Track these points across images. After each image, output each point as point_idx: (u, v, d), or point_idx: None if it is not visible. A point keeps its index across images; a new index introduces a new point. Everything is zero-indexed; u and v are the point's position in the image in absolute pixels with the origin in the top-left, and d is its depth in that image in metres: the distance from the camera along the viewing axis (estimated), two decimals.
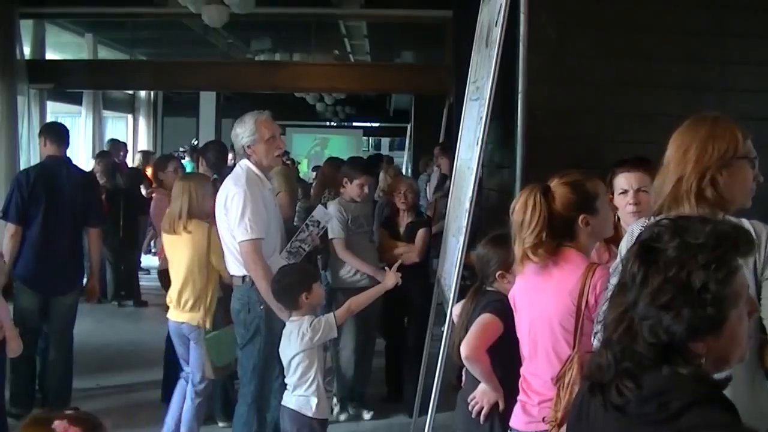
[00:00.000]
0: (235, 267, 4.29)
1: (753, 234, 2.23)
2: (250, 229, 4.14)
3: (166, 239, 4.80)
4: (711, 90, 3.84)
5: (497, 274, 3.38)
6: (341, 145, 21.44)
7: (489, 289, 3.45)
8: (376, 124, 22.68)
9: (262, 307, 4.12)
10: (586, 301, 2.78)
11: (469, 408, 3.38)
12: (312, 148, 22.45)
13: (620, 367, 1.57)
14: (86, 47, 12.56)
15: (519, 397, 3.03)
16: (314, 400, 3.88)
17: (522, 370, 3.03)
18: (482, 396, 3.37)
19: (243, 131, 4.31)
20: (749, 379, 2.47)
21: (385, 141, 23.00)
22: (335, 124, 22.51)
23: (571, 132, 3.82)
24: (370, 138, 23.59)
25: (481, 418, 3.35)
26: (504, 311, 3.24)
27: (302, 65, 12.30)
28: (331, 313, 4.01)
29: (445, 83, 8.65)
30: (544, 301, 2.88)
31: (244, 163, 4.32)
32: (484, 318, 3.34)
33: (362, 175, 5.65)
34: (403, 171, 12.38)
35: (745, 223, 2.43)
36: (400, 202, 5.92)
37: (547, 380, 2.87)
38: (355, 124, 22.63)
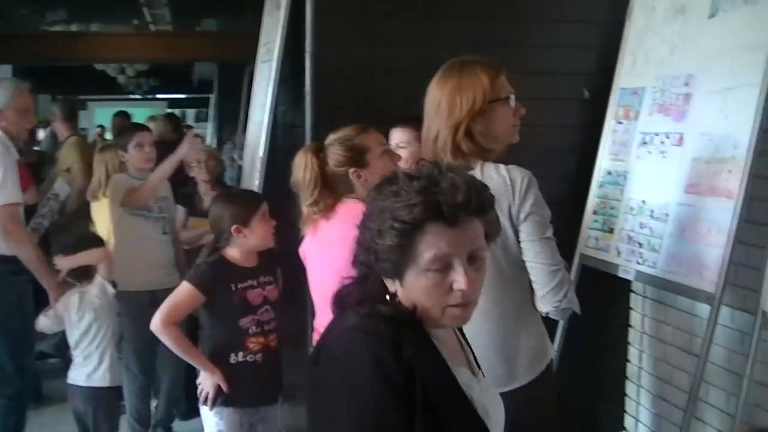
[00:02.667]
0: None
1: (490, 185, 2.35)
2: (10, 193, 3.94)
3: None
4: (502, 45, 3.93)
5: (233, 229, 3.32)
6: (145, 117, 20.67)
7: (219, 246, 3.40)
8: (181, 96, 22.13)
9: None
10: None
11: (198, 395, 3.36)
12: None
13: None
14: None
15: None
16: (106, 370, 3.78)
17: (315, 324, 3.09)
18: (204, 381, 3.34)
19: None
20: (517, 317, 2.63)
21: (191, 112, 22.48)
22: (139, 97, 21.79)
23: (361, 91, 3.83)
24: (175, 110, 23.01)
25: (209, 404, 3.32)
26: (205, 280, 3.26)
27: (100, 35, 11.76)
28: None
29: (248, 51, 8.48)
30: (330, 253, 2.89)
31: None
32: (181, 288, 3.31)
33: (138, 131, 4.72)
34: (208, 141, 12.10)
35: (501, 169, 2.56)
36: (201, 173, 5.32)
37: None
38: (159, 96, 21.97)
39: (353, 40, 3.91)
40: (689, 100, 3.44)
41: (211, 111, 15.22)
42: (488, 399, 1.76)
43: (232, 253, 3.37)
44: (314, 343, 3.08)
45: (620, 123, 3.93)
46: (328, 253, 2.94)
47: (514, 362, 2.63)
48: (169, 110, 21.67)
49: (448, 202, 1.55)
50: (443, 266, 1.59)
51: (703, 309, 3.67)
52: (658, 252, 3.46)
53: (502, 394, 2.50)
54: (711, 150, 3.23)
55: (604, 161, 3.99)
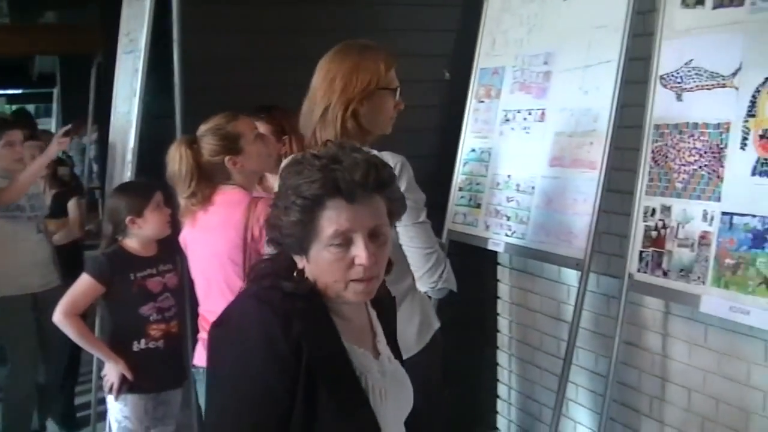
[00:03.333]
0: None
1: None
2: None
3: None
4: (364, 29, 3.99)
5: (128, 221, 3.36)
6: None
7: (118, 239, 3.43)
8: (19, 91, 21.16)
9: None
10: (252, 234, 2.90)
11: (103, 386, 3.41)
12: None
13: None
14: None
15: (199, 336, 3.11)
16: None
17: (200, 310, 3.10)
18: (108, 371, 3.40)
19: None
20: (401, 295, 2.71)
21: (31, 107, 21.57)
22: None
23: (228, 79, 3.81)
24: (13, 106, 22.01)
25: (114, 394, 3.37)
26: (103, 271, 3.34)
27: None
28: None
29: (92, 42, 8.22)
30: (212, 239, 2.96)
31: None
32: (80, 280, 3.37)
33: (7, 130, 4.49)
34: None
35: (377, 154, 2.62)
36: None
37: None
38: None
39: (219, 29, 3.89)
40: (549, 77, 3.61)
41: (55, 106, 14.67)
42: (389, 383, 1.79)
43: (130, 243, 3.43)
44: (200, 329, 3.13)
45: (482, 102, 4.07)
46: (209, 240, 2.98)
47: (403, 336, 2.71)
48: (8, 106, 20.76)
49: (346, 178, 1.60)
50: (344, 241, 1.63)
51: (569, 276, 3.87)
52: (526, 224, 3.61)
53: None
54: (572, 124, 3.40)
55: (467, 139, 4.12)
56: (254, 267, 1.81)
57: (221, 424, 1.68)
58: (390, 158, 2.58)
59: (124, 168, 3.90)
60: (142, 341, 3.40)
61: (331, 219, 1.62)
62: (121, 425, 3.44)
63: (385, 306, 1.94)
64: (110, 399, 3.43)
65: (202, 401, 3.17)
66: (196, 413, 3.76)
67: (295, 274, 1.72)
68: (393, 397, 1.79)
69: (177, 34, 3.62)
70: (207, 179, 2.99)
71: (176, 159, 2.97)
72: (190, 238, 3.08)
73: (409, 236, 2.66)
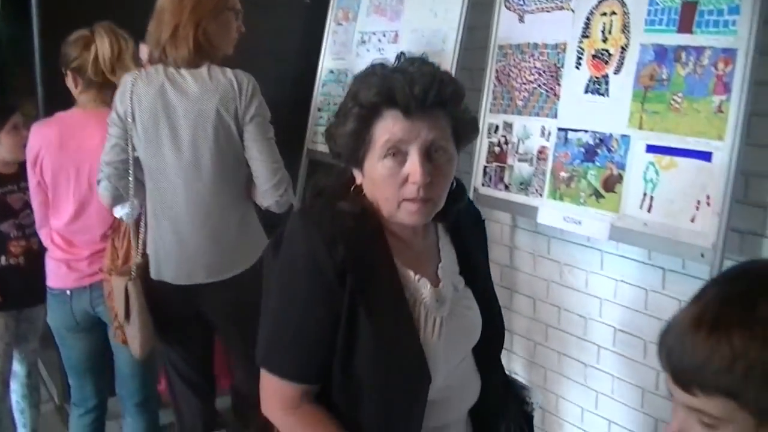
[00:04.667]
0: None
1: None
2: None
3: None
4: None
5: None
6: None
7: None
8: None
9: None
10: None
11: None
12: None
13: None
14: None
15: (55, 256, 3.11)
16: None
17: (58, 230, 3.11)
18: None
19: None
20: (233, 210, 2.87)
21: None
22: None
23: None
24: None
25: None
26: None
27: None
28: None
29: None
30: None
31: None
32: None
33: None
34: None
35: (228, 72, 2.76)
36: None
37: (97, 235, 3.07)
38: None
39: None
40: (402, 1, 3.68)
41: None
42: (449, 313, 1.72)
43: None
44: (51, 248, 3.15)
45: (340, 24, 4.11)
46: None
47: (234, 253, 2.87)
48: None
49: (405, 89, 1.55)
50: (398, 153, 1.58)
51: None
52: None
53: (222, 283, 2.79)
54: (423, 44, 3.49)
55: (326, 61, 4.18)
56: (314, 182, 1.75)
57: (268, 348, 1.68)
58: (243, 76, 2.75)
59: None
60: (2, 258, 3.41)
61: (386, 128, 1.59)
62: None
63: (464, 229, 1.84)
64: None
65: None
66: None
67: (351, 190, 1.68)
68: (452, 329, 1.72)
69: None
70: None
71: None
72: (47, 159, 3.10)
73: (258, 150, 2.78)
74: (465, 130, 1.68)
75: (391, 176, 1.59)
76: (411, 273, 1.68)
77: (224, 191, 2.82)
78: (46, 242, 3.19)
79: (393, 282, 1.64)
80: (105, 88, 3.03)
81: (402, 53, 1.71)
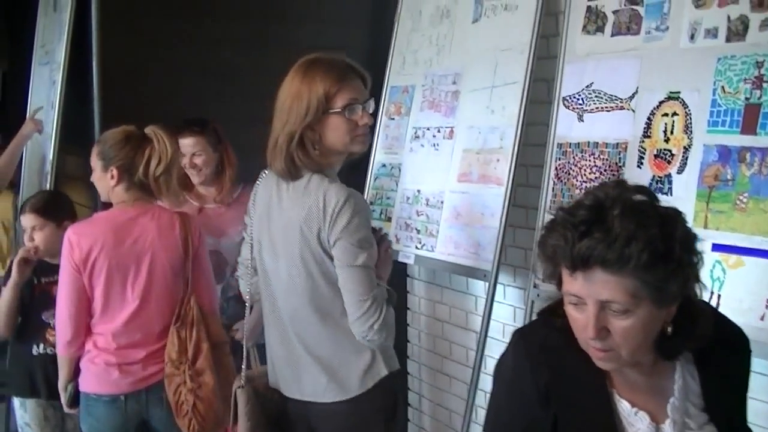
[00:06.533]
0: None
1: None
2: None
3: None
4: (276, 45, 4.10)
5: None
6: None
7: None
8: None
9: None
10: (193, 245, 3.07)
11: None
12: None
13: None
14: None
15: (100, 360, 3.04)
16: None
17: (112, 333, 3.05)
18: None
19: None
20: (343, 335, 2.62)
21: None
22: None
23: (147, 90, 3.86)
24: None
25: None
26: None
27: None
28: None
29: None
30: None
31: None
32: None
33: None
34: None
35: (322, 186, 2.51)
36: None
37: (156, 331, 3.04)
38: None
39: (138, 41, 3.92)
40: (457, 96, 3.76)
41: None
42: None
43: None
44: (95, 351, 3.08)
45: (392, 119, 4.20)
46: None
47: (335, 376, 2.62)
48: None
49: (566, 250, 1.49)
50: (579, 303, 1.53)
51: (476, 287, 4.02)
52: (435, 237, 3.75)
53: (333, 404, 2.59)
54: (480, 142, 3.55)
55: (378, 154, 4.24)
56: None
57: None
58: (333, 194, 2.47)
59: (43, 179, 3.91)
60: (40, 346, 3.45)
61: (565, 278, 1.54)
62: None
63: (717, 357, 1.65)
64: (16, 405, 3.48)
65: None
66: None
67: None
68: None
69: (96, 46, 3.66)
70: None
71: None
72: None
73: (342, 278, 2.49)
74: (653, 293, 1.50)
75: (574, 321, 1.56)
76: (627, 404, 1.60)
77: (320, 310, 2.58)
78: (79, 350, 3.08)
79: (603, 412, 1.58)
80: (148, 187, 3.08)
81: (619, 181, 1.62)
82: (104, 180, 3.06)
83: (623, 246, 1.45)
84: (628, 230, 1.46)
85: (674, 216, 1.54)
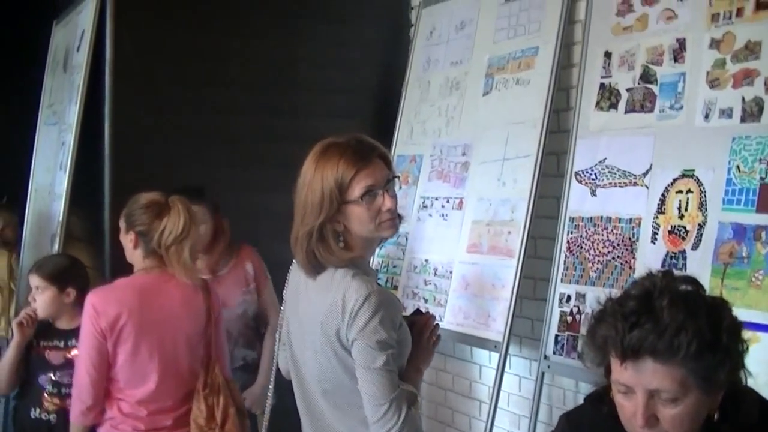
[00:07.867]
0: None
1: None
2: None
3: None
4: (283, 113, 4.17)
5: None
6: None
7: None
8: None
9: None
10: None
11: None
12: None
13: None
14: None
15: (126, 427, 3.00)
16: None
17: (140, 400, 3.02)
18: None
19: None
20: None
21: None
22: None
23: (156, 154, 3.88)
24: None
25: None
26: None
27: None
28: None
29: None
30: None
31: None
32: None
33: None
34: None
35: (344, 282, 2.33)
36: None
37: (182, 394, 3.04)
38: None
39: (147, 106, 3.95)
40: (467, 168, 3.81)
41: None
42: None
43: None
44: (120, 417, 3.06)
45: (399, 188, 4.22)
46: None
47: None
48: None
49: (616, 341, 1.53)
50: (628, 391, 1.56)
51: (480, 356, 4.02)
52: (443, 306, 3.76)
53: None
54: (491, 213, 3.59)
55: None
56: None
57: None
58: (354, 291, 2.29)
59: (53, 241, 3.89)
60: (36, 410, 3.40)
61: (614, 367, 1.58)
62: None
63: None
64: None
65: None
66: None
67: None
68: None
69: (109, 108, 3.69)
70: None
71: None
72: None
73: (360, 380, 2.31)
74: (700, 382, 1.54)
75: (622, 408, 1.59)
76: None
77: (338, 408, 2.45)
78: (97, 417, 3.01)
79: None
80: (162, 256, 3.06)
81: (666, 271, 1.66)
82: (126, 241, 3.07)
83: (673, 336, 1.50)
84: (677, 320, 1.51)
85: (721, 305, 1.59)
